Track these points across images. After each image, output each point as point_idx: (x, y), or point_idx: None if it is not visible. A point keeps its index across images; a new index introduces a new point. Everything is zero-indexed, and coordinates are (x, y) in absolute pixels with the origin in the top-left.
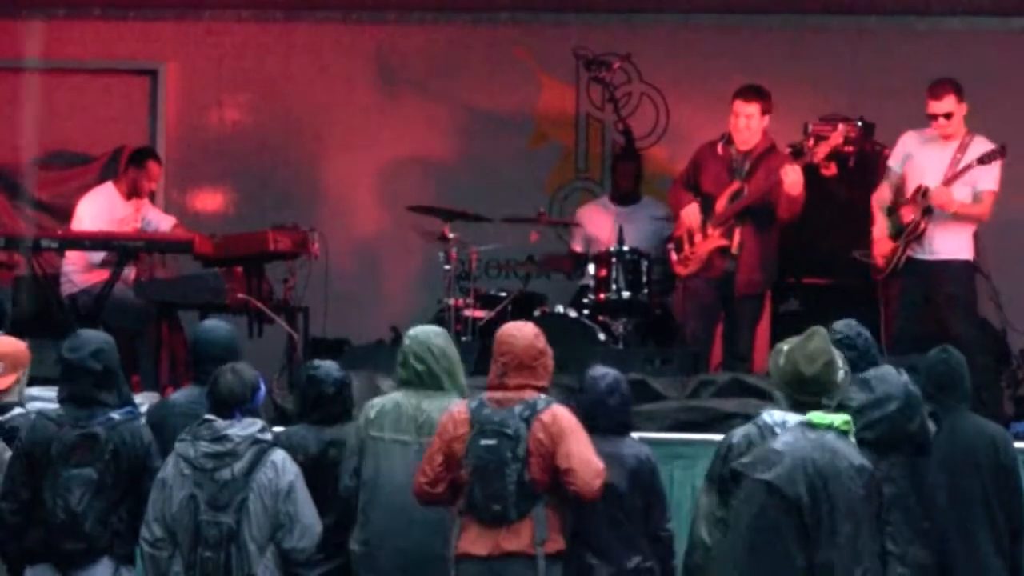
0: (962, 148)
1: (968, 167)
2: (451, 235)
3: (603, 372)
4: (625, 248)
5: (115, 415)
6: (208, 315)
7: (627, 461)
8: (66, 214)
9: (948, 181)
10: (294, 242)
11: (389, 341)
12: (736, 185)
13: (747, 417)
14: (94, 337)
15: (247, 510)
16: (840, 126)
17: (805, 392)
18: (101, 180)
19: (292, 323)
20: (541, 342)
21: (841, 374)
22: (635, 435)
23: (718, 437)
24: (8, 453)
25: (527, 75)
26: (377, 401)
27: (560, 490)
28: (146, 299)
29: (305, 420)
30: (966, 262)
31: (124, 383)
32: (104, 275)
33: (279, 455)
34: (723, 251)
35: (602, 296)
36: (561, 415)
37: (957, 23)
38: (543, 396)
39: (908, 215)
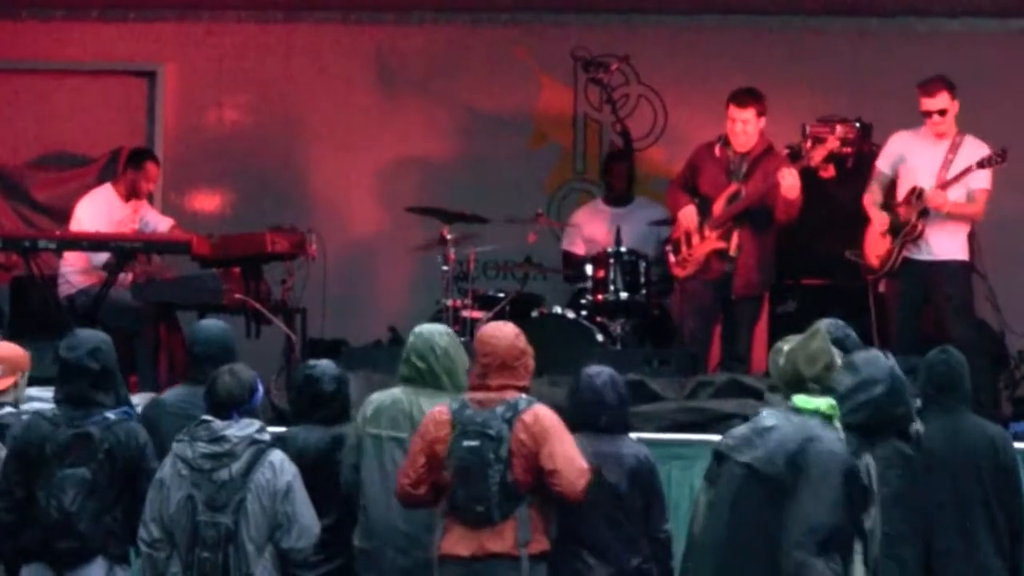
0: (953, 148)
1: (967, 170)
2: (449, 236)
3: (598, 370)
4: (623, 249)
5: (110, 415)
6: (206, 316)
7: (626, 461)
8: (64, 215)
9: (945, 185)
10: (292, 243)
11: (387, 342)
12: (734, 187)
13: (745, 418)
14: (91, 336)
15: (245, 511)
16: (838, 128)
17: (804, 392)
18: (99, 181)
19: (290, 324)
20: (522, 342)
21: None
22: (633, 436)
23: (716, 438)
24: (2, 452)
25: (526, 76)
26: (375, 397)
27: (544, 491)
28: (144, 300)
29: (303, 420)
30: (962, 263)
31: (121, 384)
32: (102, 276)
33: (277, 456)
34: (721, 253)
35: (600, 297)
36: (543, 415)
37: (956, 24)
38: (524, 396)
39: (904, 217)
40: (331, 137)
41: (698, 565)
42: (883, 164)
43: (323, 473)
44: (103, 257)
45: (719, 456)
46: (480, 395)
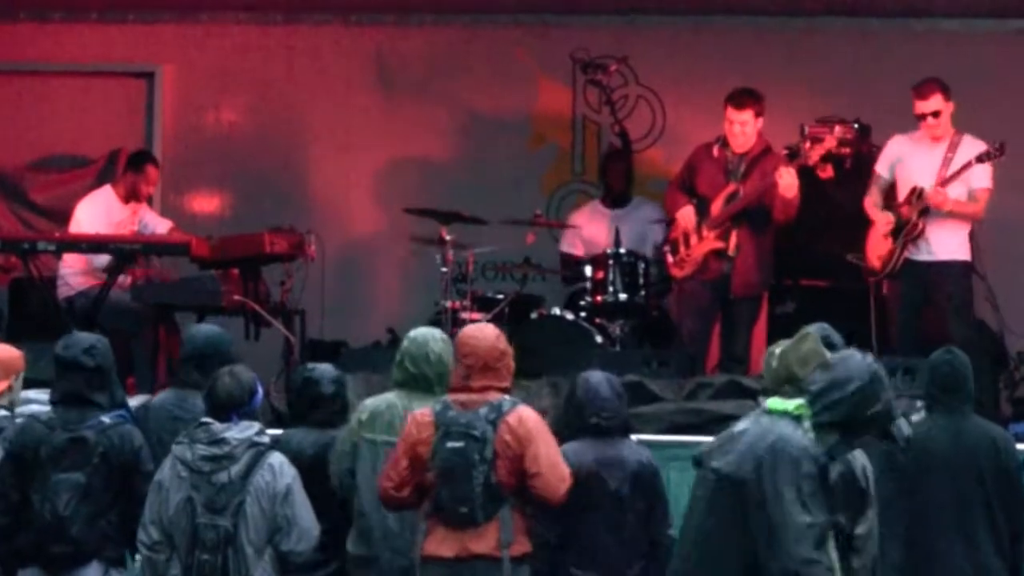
0: (952, 148)
1: (967, 166)
2: (448, 237)
3: (596, 374)
4: (622, 251)
5: (105, 418)
6: (205, 318)
7: (628, 464)
8: (63, 217)
9: (944, 182)
10: (291, 244)
11: (386, 343)
12: (732, 187)
13: None
14: (87, 336)
15: (244, 513)
16: (836, 128)
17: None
18: (98, 183)
19: (289, 326)
20: (503, 343)
21: (869, 386)
22: (633, 438)
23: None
24: None
25: (525, 77)
26: (370, 402)
27: (525, 493)
28: (143, 302)
29: (302, 423)
30: (964, 263)
31: (118, 385)
32: (101, 278)
33: (277, 458)
34: (719, 253)
35: (599, 298)
36: (527, 417)
37: (955, 25)
38: (507, 398)
39: (905, 216)
40: (330, 138)
41: (674, 571)
42: (882, 168)
43: (319, 476)
44: (104, 259)
45: (698, 462)
46: (463, 396)
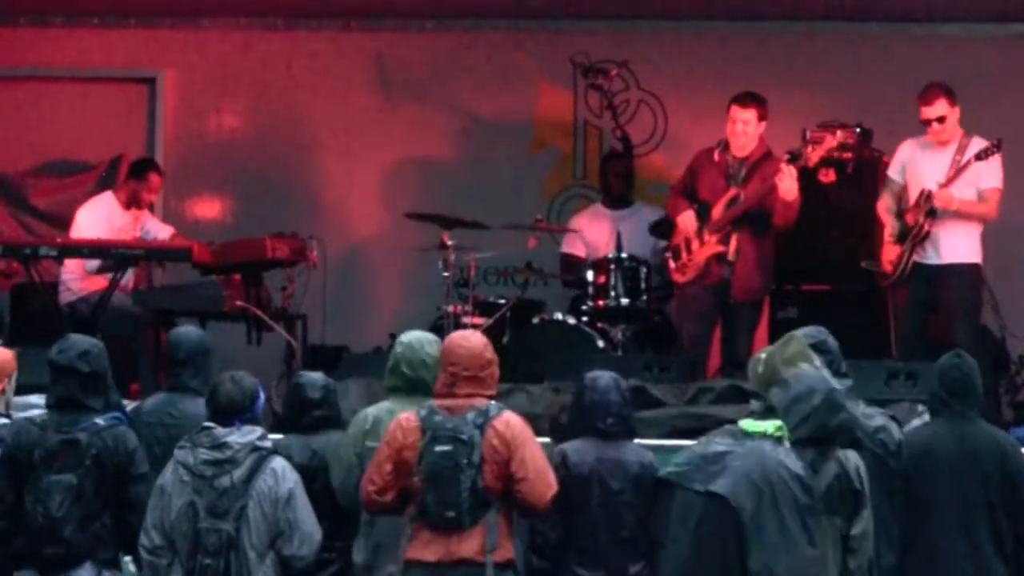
0: (960, 150)
1: (967, 165)
2: (449, 242)
3: (600, 375)
4: (624, 255)
5: (99, 421)
6: (207, 323)
7: (630, 466)
8: (64, 222)
9: (948, 181)
10: (292, 249)
11: (388, 349)
12: (733, 191)
13: None
14: (82, 340)
15: (246, 517)
16: (838, 132)
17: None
18: (99, 188)
19: (291, 331)
20: (490, 352)
21: (828, 392)
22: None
23: None
24: None
25: (526, 82)
26: (371, 411)
27: (510, 498)
28: (144, 307)
29: (292, 429)
30: (973, 265)
31: (113, 389)
32: (102, 283)
33: (279, 462)
34: (720, 257)
35: (601, 303)
36: (514, 422)
37: (956, 29)
38: (494, 403)
39: (912, 220)
40: (332, 143)
41: None
42: (893, 172)
43: (311, 482)
44: (93, 264)
45: (663, 482)
46: (448, 402)
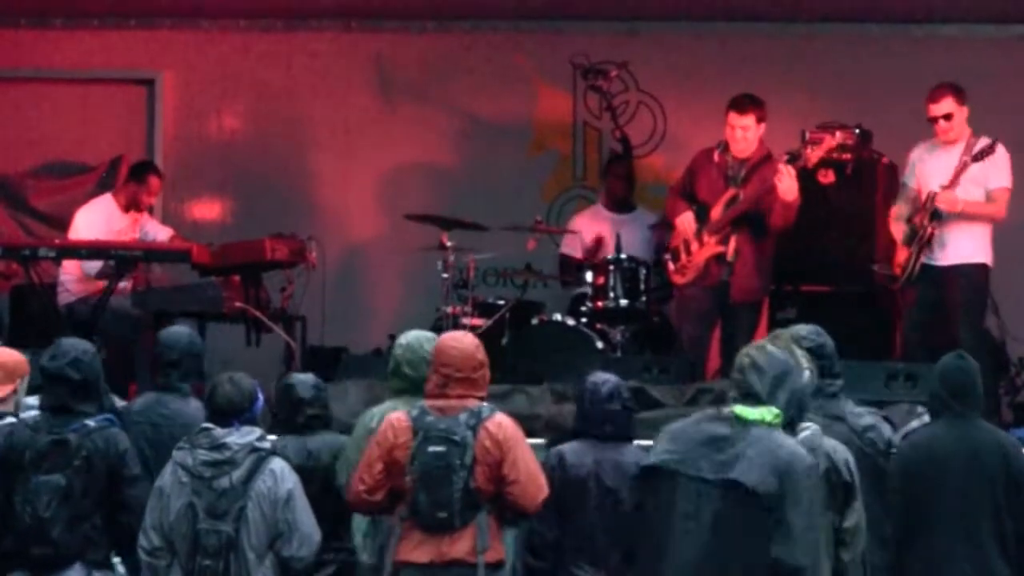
0: (968, 150)
1: (964, 167)
2: (449, 243)
3: (604, 378)
4: (623, 256)
5: (90, 422)
6: (206, 324)
7: (628, 468)
8: (63, 223)
9: (951, 183)
10: (292, 251)
11: (387, 350)
12: (732, 192)
13: None
14: (74, 346)
15: (246, 518)
16: (837, 133)
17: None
18: (99, 189)
19: (290, 332)
20: (481, 353)
21: (806, 375)
22: (634, 443)
23: None
24: None
25: (526, 83)
26: (376, 411)
27: (501, 500)
28: (144, 309)
29: (283, 430)
30: (980, 266)
31: (106, 394)
32: (101, 285)
33: (278, 463)
34: (719, 258)
35: (600, 304)
36: (506, 424)
37: (955, 30)
38: (486, 404)
39: (919, 222)
40: (331, 144)
41: None
42: (906, 177)
43: (306, 484)
44: (95, 266)
45: (655, 470)
46: (440, 403)
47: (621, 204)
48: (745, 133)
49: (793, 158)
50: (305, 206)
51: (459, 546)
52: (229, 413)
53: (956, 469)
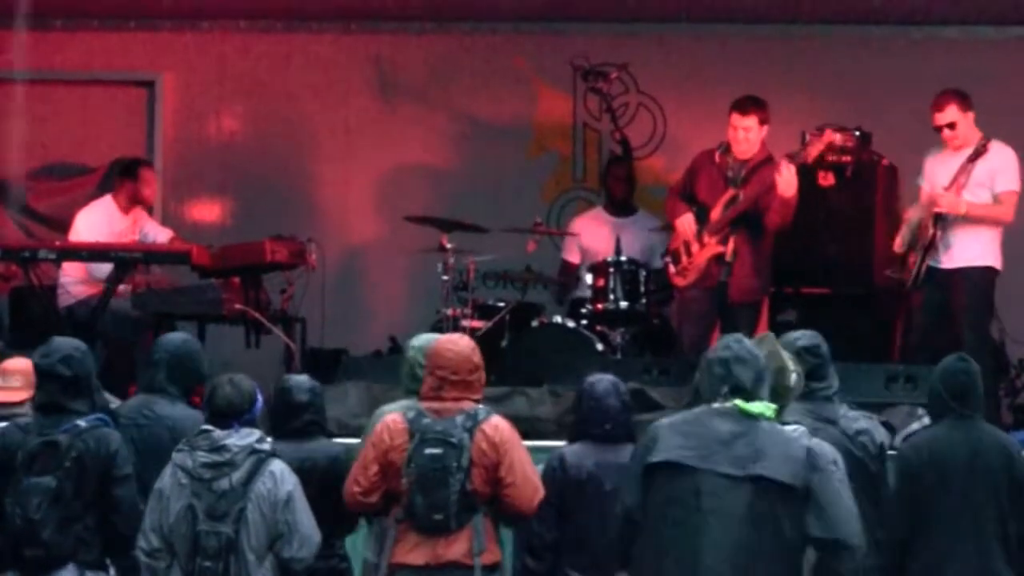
0: (976, 154)
1: (963, 169)
2: (449, 245)
3: (601, 378)
4: (623, 258)
5: (81, 422)
6: (206, 326)
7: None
8: (64, 225)
9: (951, 185)
10: (291, 253)
11: (387, 352)
12: (731, 193)
13: None
14: (65, 344)
15: (246, 520)
16: (837, 134)
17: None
18: (99, 191)
19: (290, 334)
20: (477, 356)
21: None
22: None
23: None
24: None
25: (525, 85)
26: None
27: (496, 502)
28: (144, 310)
29: (278, 435)
30: (985, 268)
31: (99, 392)
32: (101, 287)
33: (278, 465)
34: (719, 258)
35: (600, 306)
36: (503, 427)
37: (955, 32)
38: (482, 407)
39: (926, 226)
40: (331, 146)
41: None
42: (920, 180)
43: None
44: (105, 269)
45: (664, 466)
46: (436, 405)
47: (621, 206)
48: (747, 134)
49: (792, 157)
50: (305, 208)
51: (455, 548)
52: (229, 415)
53: (958, 471)
